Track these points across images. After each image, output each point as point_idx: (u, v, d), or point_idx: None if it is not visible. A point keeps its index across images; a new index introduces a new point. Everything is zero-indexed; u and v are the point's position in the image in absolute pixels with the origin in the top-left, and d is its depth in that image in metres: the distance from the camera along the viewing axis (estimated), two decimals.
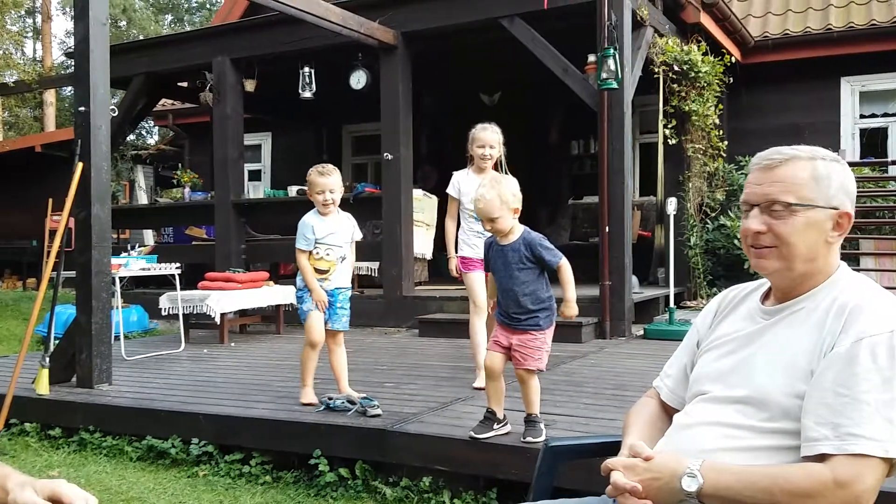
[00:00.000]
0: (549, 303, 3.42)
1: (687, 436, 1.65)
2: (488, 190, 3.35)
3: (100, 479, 3.94)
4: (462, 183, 4.82)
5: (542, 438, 3.31)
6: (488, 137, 4.70)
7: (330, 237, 4.35)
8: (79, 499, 1.14)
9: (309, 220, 4.35)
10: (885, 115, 9.56)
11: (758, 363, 1.60)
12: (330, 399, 4.13)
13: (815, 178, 1.60)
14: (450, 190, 4.89)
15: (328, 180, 4.31)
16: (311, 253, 4.33)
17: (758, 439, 1.54)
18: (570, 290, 3.46)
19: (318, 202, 4.34)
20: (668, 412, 1.84)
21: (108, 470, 4.10)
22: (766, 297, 1.71)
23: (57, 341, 5.21)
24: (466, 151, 4.82)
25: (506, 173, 4.74)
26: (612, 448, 1.75)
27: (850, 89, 9.60)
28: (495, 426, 3.46)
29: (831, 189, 1.60)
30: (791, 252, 1.59)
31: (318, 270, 4.33)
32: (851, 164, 8.79)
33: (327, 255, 4.34)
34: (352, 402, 4.04)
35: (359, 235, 4.61)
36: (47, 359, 4.89)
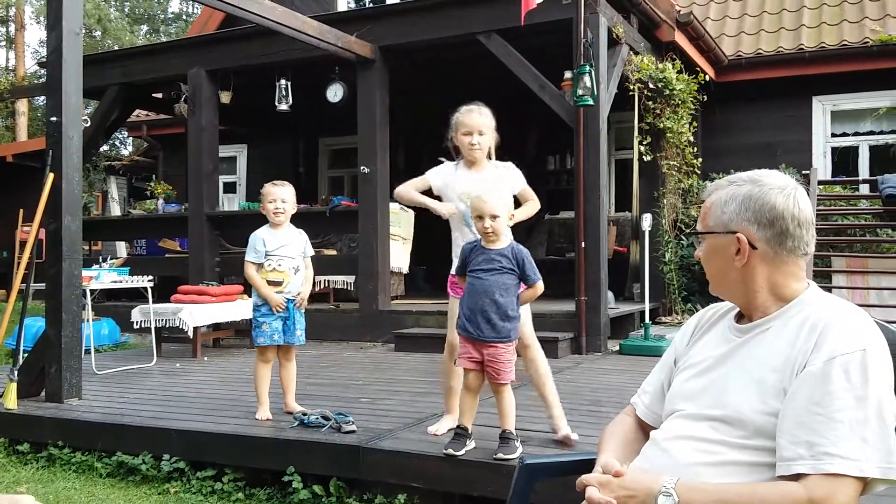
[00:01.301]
0: (519, 315, 3.45)
1: (662, 451, 1.65)
2: (491, 192, 3.40)
3: (68, 495, 3.86)
4: (448, 178, 3.93)
5: (516, 455, 3.31)
6: (475, 122, 3.79)
7: (281, 249, 4.37)
8: None
9: (260, 233, 4.41)
10: (857, 133, 9.72)
11: (730, 382, 1.61)
12: (304, 415, 4.09)
13: (717, 206, 1.67)
14: (430, 173, 4.00)
15: (280, 190, 4.40)
16: (262, 266, 4.36)
17: (733, 454, 1.55)
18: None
19: (269, 211, 4.39)
20: (645, 429, 1.84)
21: (77, 486, 4.02)
22: (740, 316, 1.72)
23: (26, 354, 5.12)
24: (449, 140, 3.92)
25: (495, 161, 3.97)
26: (589, 466, 1.75)
27: (821, 108, 9.75)
28: (468, 442, 3.45)
29: (726, 215, 1.64)
30: (709, 276, 1.72)
31: (272, 283, 4.35)
32: (822, 183, 8.96)
33: (279, 265, 4.36)
34: (326, 418, 4.01)
35: (310, 251, 4.56)
36: (16, 372, 4.80)
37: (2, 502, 1.15)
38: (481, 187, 3.43)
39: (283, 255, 4.37)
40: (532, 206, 3.95)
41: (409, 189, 4.00)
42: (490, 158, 3.93)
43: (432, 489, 3.48)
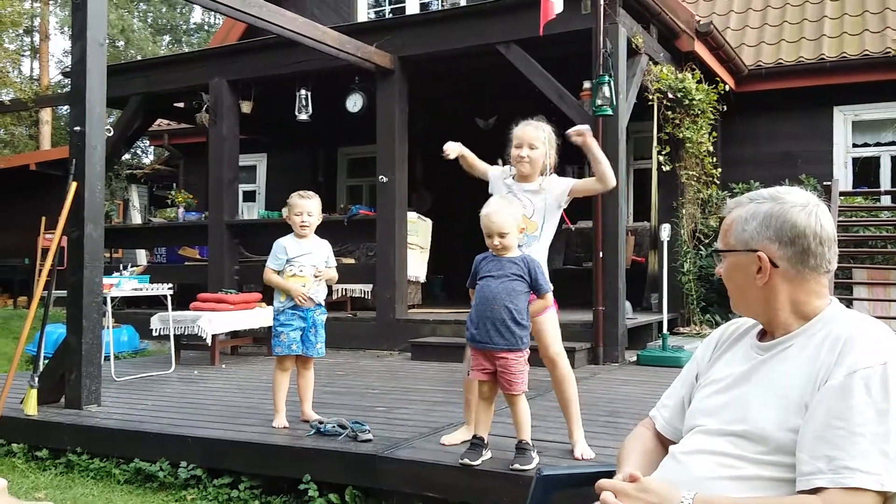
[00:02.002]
0: (529, 324, 3.42)
1: (681, 465, 1.64)
2: (504, 206, 3.38)
3: (87, 501, 3.89)
4: (499, 182, 3.88)
5: (532, 466, 3.30)
6: (527, 134, 3.73)
7: (303, 257, 4.41)
8: None
9: (283, 241, 4.48)
10: (878, 144, 9.62)
11: (752, 399, 1.59)
12: (321, 423, 4.10)
13: (738, 223, 1.65)
14: (491, 169, 4.01)
15: (307, 203, 4.44)
16: (283, 272, 4.41)
17: (753, 469, 1.53)
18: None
19: (296, 223, 4.44)
20: (664, 443, 1.83)
21: (96, 493, 4.05)
22: (763, 333, 1.71)
23: (47, 361, 5.17)
24: (507, 154, 3.86)
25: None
26: (606, 477, 1.74)
27: (842, 118, 9.67)
28: (483, 452, 3.43)
29: (747, 233, 1.63)
30: (730, 293, 1.70)
31: None
32: (844, 194, 8.88)
33: (300, 270, 4.40)
34: (343, 427, 4.01)
35: (333, 262, 4.59)
36: (36, 379, 4.84)
37: None
38: (494, 206, 3.38)
39: (305, 262, 4.42)
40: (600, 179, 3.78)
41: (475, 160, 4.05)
42: (543, 174, 3.82)
43: (448, 499, 3.47)
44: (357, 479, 3.69)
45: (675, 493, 1.50)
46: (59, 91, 23.35)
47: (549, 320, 3.69)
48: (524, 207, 3.69)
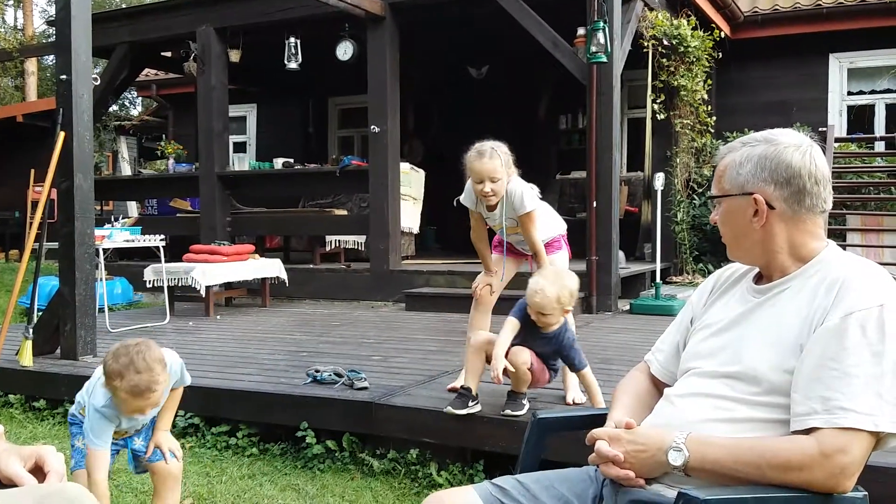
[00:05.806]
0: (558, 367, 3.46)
1: (675, 408, 1.65)
2: (550, 285, 3.11)
3: None
4: (473, 201, 3.75)
5: (523, 412, 3.32)
6: (485, 168, 3.49)
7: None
8: (54, 473, 1.13)
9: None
10: (873, 92, 9.58)
11: (747, 340, 1.60)
12: (317, 371, 4.12)
13: (732, 167, 1.64)
14: (464, 200, 3.81)
15: None
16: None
17: (747, 410, 1.55)
18: (596, 395, 3.34)
19: None
20: (658, 387, 1.84)
21: None
22: (759, 276, 1.71)
23: (40, 313, 5.17)
24: (463, 165, 3.63)
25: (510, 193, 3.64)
26: (600, 421, 1.76)
27: (838, 66, 9.60)
28: (470, 403, 3.37)
29: (742, 176, 1.62)
30: (726, 240, 1.70)
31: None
32: (839, 140, 8.85)
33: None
34: (339, 375, 4.04)
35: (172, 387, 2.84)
36: (31, 330, 4.85)
37: (25, 453, 1.17)
38: (541, 283, 3.18)
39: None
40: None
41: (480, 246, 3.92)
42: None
43: (444, 444, 3.51)
44: (354, 426, 3.73)
45: (668, 436, 1.52)
46: (44, 41, 22.92)
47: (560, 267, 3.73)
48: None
